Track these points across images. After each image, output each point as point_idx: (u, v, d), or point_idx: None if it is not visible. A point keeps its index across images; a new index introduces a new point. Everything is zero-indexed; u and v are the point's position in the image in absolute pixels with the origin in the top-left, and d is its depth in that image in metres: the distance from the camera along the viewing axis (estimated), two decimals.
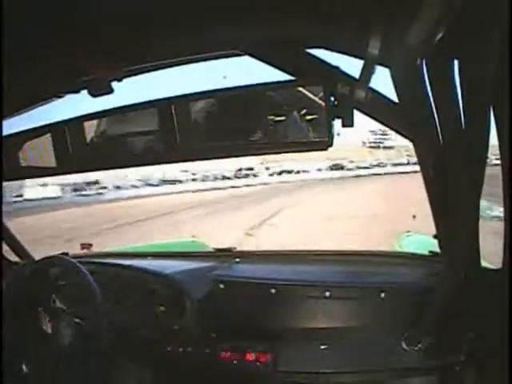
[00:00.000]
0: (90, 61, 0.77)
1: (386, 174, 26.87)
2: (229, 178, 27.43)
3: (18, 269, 1.37)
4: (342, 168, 30.07)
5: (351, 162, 30.87)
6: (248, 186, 23.40)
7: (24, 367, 1.11)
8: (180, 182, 27.00)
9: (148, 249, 1.91)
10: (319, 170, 29.36)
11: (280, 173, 28.44)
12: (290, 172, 28.32)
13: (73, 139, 0.86)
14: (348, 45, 0.73)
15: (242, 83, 0.75)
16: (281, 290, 1.14)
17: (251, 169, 28.60)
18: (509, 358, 0.63)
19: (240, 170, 28.33)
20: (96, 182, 25.38)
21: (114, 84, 0.82)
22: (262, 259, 1.45)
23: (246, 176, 27.90)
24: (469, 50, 0.63)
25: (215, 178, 27.81)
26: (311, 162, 28.14)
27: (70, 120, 0.87)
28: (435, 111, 0.70)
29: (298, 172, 28.35)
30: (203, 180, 27.45)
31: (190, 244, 2.20)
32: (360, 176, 26.34)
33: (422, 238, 1.76)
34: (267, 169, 29.02)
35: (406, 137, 0.76)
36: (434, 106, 0.70)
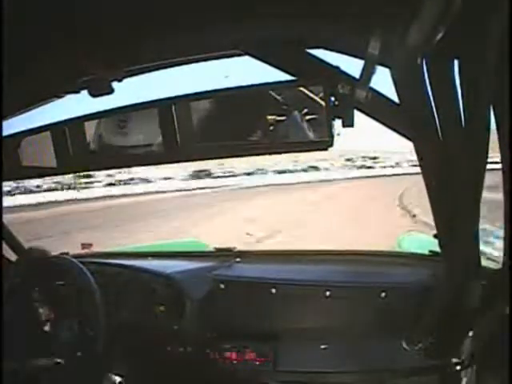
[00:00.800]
0: (90, 61, 0.77)
1: (258, 186, 18.98)
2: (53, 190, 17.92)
3: (18, 268, 1.37)
4: (209, 175, 23.05)
5: (220, 165, 23.66)
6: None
7: (24, 367, 1.11)
8: None
9: (148, 249, 1.91)
10: (167, 178, 21.16)
11: (127, 181, 20.94)
12: (131, 180, 20.27)
13: (73, 139, 0.86)
14: (348, 45, 0.73)
15: (242, 83, 0.75)
16: (281, 290, 1.14)
17: (88, 176, 20.03)
18: (509, 358, 0.63)
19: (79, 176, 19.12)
20: None
21: (114, 84, 0.82)
22: (262, 259, 1.45)
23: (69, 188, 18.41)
24: (469, 50, 0.63)
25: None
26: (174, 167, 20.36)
27: (70, 120, 0.87)
28: (435, 111, 0.70)
29: (147, 181, 20.31)
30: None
31: (190, 244, 2.20)
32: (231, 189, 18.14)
33: (422, 238, 1.76)
34: (109, 176, 21.11)
35: (406, 137, 0.76)
36: (435, 106, 0.70)
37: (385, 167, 30.49)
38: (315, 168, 27.36)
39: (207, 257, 1.45)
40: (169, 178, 22.23)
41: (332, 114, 0.68)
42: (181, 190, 18.70)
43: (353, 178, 22.42)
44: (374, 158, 32.01)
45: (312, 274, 1.23)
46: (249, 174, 24.14)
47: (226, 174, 23.81)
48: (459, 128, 0.69)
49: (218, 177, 23.51)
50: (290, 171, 25.50)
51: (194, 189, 19.45)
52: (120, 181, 20.57)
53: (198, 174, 23.05)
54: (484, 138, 0.69)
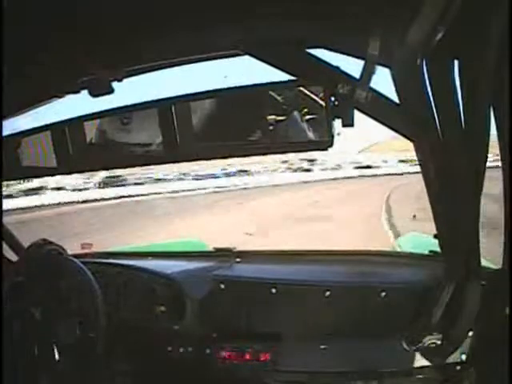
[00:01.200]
0: (90, 61, 0.77)
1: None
2: None
3: (18, 268, 1.37)
4: (123, 181, 18.27)
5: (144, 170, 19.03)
6: None
7: (24, 367, 1.11)
8: None
9: (148, 249, 1.91)
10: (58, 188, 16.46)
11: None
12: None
13: (73, 139, 0.86)
14: (348, 45, 0.73)
15: (242, 83, 0.75)
16: (281, 290, 1.14)
17: None
18: (509, 358, 0.63)
19: None
20: None
21: (114, 84, 0.82)
22: (262, 259, 1.45)
23: None
24: (469, 50, 0.63)
25: None
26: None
27: (70, 120, 0.87)
28: (435, 111, 0.70)
29: (36, 191, 15.56)
30: None
31: (190, 244, 2.20)
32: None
33: (422, 238, 1.76)
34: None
35: (406, 137, 0.76)
36: (435, 106, 0.70)
37: (325, 169, 27.64)
38: (245, 172, 23.52)
39: (207, 257, 1.45)
40: (59, 189, 17.52)
41: (332, 114, 0.68)
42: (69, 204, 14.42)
43: (287, 185, 17.69)
44: (312, 161, 29.43)
45: (312, 274, 1.23)
46: (164, 180, 19.42)
47: (140, 181, 19.24)
48: (459, 128, 0.69)
49: (131, 184, 18.63)
50: (217, 176, 21.14)
51: (82, 201, 14.45)
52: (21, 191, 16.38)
53: (107, 182, 18.28)
54: (484, 138, 0.69)
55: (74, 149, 0.86)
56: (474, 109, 0.67)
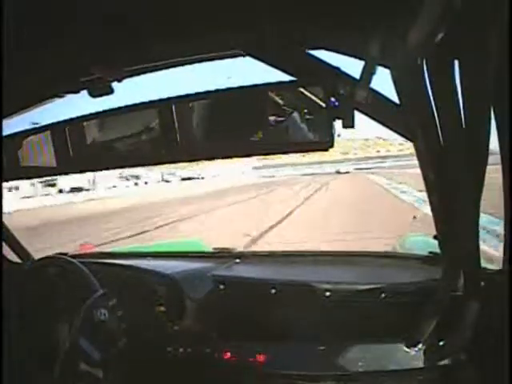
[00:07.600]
0: (90, 61, 0.77)
1: None
2: None
3: (18, 269, 1.37)
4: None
5: None
6: None
7: (24, 367, 1.11)
8: None
9: (148, 249, 1.91)
10: None
11: None
12: None
13: (73, 139, 0.86)
14: (348, 45, 0.73)
15: (243, 83, 0.75)
16: (281, 290, 1.14)
17: None
18: (509, 358, 0.63)
19: None
20: None
21: (114, 84, 0.82)
22: (261, 259, 1.45)
23: None
24: (469, 50, 0.63)
25: None
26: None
27: (70, 120, 0.87)
28: (436, 111, 0.70)
29: None
30: None
31: (190, 244, 2.20)
32: None
33: (422, 239, 1.76)
34: None
35: (406, 137, 0.76)
36: (435, 106, 0.70)
37: (146, 183, 29.81)
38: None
39: (207, 257, 1.45)
40: None
41: (332, 115, 0.68)
42: None
43: None
44: (137, 177, 30.85)
45: (312, 274, 1.23)
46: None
47: None
48: (459, 128, 0.69)
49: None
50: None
51: None
52: None
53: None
54: (484, 138, 0.69)
55: (74, 149, 0.86)
56: (474, 109, 0.67)
